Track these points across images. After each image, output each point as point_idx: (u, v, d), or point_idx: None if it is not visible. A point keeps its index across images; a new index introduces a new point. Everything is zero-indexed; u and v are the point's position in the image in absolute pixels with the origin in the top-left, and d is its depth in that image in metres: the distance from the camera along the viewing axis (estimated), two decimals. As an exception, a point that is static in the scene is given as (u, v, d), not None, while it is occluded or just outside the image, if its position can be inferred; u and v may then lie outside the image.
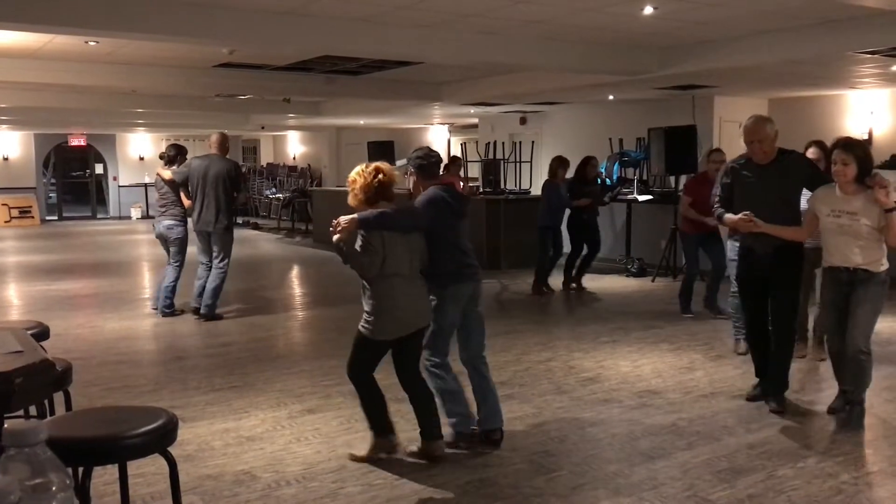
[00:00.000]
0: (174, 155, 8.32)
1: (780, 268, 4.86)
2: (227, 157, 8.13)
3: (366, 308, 4.17)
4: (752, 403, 5.15)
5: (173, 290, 8.15)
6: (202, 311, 7.95)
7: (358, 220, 4.01)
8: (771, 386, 5.08)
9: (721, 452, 4.29)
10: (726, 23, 6.77)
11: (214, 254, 7.95)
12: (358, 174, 4.14)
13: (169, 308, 8.14)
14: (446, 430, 4.34)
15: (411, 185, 4.53)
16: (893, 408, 5.10)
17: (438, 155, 4.67)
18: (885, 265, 4.61)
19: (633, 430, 4.67)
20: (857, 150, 4.54)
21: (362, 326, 4.20)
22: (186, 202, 8.00)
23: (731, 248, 6.29)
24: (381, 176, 4.09)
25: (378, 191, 4.07)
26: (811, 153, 5.71)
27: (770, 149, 4.82)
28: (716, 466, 4.08)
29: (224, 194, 7.84)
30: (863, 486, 3.89)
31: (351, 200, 4.14)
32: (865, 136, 10.23)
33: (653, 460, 4.18)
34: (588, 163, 9.65)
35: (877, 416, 4.92)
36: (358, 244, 4.02)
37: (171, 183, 8.09)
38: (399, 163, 4.69)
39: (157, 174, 8.33)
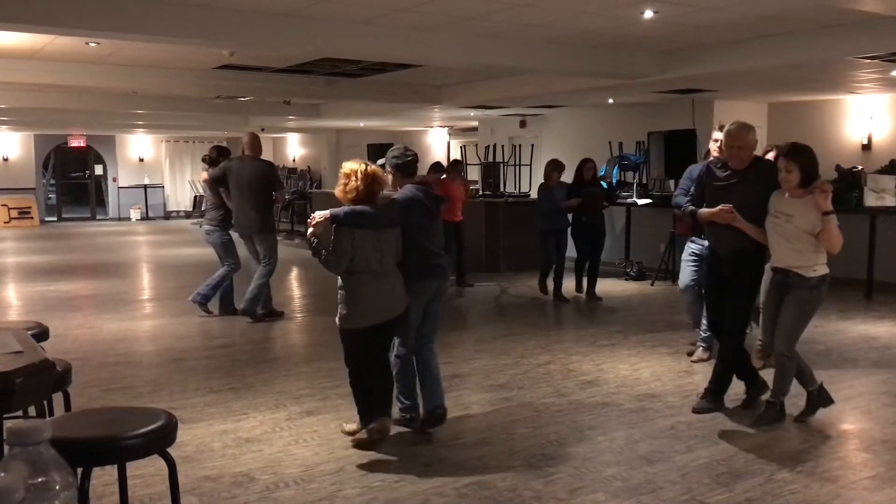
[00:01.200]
0: (216, 157, 8.31)
1: (739, 272, 4.89)
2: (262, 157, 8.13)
3: (338, 300, 4.43)
4: (751, 409, 5.15)
5: (216, 286, 8.15)
6: (242, 305, 7.98)
7: (330, 216, 4.22)
8: (710, 383, 5.14)
9: (719, 456, 4.29)
10: (726, 27, 6.78)
11: (261, 255, 7.97)
12: (355, 176, 4.29)
13: (203, 300, 8.12)
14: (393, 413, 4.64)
15: (391, 184, 4.69)
16: (892, 412, 5.11)
17: (415, 154, 4.82)
18: (818, 271, 4.60)
19: (631, 434, 4.67)
20: (801, 157, 4.59)
21: (336, 318, 4.48)
22: (229, 203, 7.97)
23: (688, 249, 6.42)
24: (374, 185, 4.33)
25: (366, 195, 4.30)
26: (771, 156, 5.74)
27: (748, 156, 4.88)
28: (714, 470, 4.09)
29: (261, 196, 7.81)
30: (861, 490, 3.89)
31: (338, 193, 4.35)
32: (865, 142, 10.26)
33: (651, 463, 4.18)
34: (584, 165, 9.65)
35: (876, 421, 4.93)
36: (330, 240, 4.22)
37: (208, 184, 8.12)
38: (379, 161, 4.77)
39: (201, 178, 8.46)
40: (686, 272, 6.46)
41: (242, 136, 8.18)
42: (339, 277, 4.37)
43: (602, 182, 9.98)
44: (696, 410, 5.04)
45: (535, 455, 4.31)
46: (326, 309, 9.16)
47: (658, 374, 6.02)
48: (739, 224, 4.76)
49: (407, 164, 4.69)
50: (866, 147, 10.21)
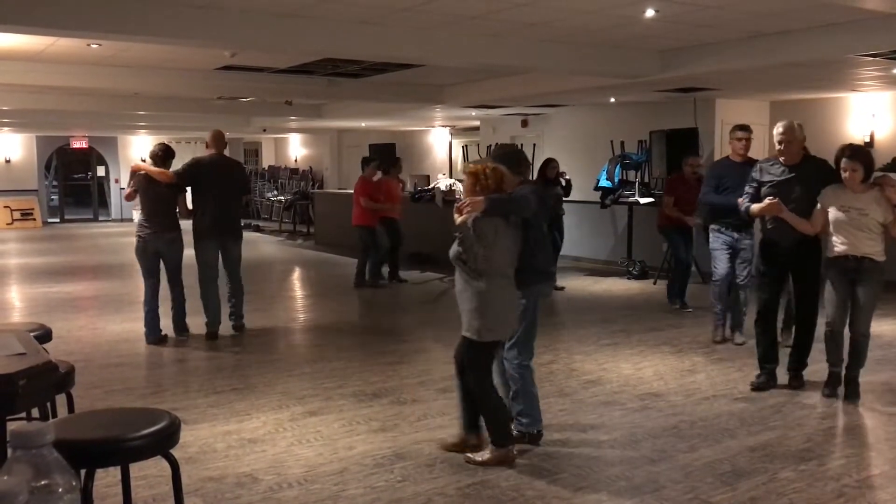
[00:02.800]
0: (164, 155, 7.19)
1: (803, 260, 5.42)
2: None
3: (467, 307, 4.08)
4: (753, 406, 5.15)
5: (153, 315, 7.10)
6: (236, 323, 7.50)
7: (489, 199, 3.96)
8: (792, 364, 5.63)
9: (723, 455, 4.29)
10: (727, 25, 6.77)
11: (233, 264, 7.33)
12: (483, 175, 4.06)
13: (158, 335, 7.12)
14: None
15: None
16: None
17: (524, 153, 4.80)
18: (884, 256, 5.16)
19: (634, 433, 4.67)
20: (863, 156, 5.13)
21: (467, 330, 4.09)
22: (182, 206, 7.18)
23: (714, 239, 6.82)
24: (504, 185, 4.11)
25: (497, 189, 4.08)
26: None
27: (797, 150, 5.40)
28: (718, 469, 4.09)
29: (238, 198, 7.46)
30: (865, 488, 3.89)
31: (471, 194, 4.06)
32: (867, 139, 10.24)
33: (654, 463, 4.18)
34: (548, 164, 9.90)
35: (879, 419, 4.92)
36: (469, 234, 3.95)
37: (172, 182, 7.02)
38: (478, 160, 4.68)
39: (142, 173, 7.11)
40: (722, 262, 6.74)
41: (209, 132, 7.44)
42: (469, 281, 4.04)
43: (560, 180, 10.12)
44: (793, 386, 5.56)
45: (538, 454, 4.31)
46: (328, 309, 9.18)
47: (661, 373, 6.02)
48: (786, 216, 5.22)
49: (520, 162, 4.50)
50: (869, 145, 10.18)
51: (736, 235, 6.66)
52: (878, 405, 5.16)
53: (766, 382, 5.54)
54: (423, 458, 4.26)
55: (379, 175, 10.63)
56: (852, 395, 5.24)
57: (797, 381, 5.58)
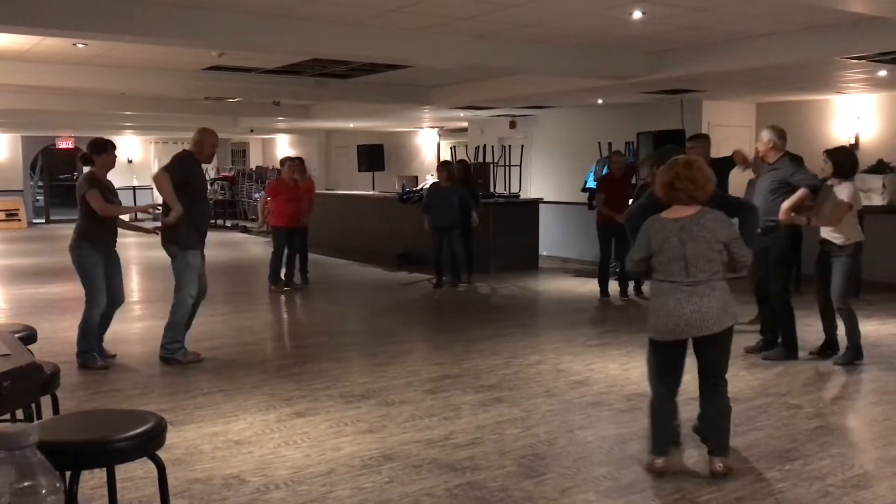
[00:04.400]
0: (90, 154, 6.22)
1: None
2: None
3: (726, 302, 3.99)
4: (739, 407, 5.15)
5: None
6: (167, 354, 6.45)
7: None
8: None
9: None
10: (714, 27, 6.81)
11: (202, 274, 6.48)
12: (703, 172, 3.97)
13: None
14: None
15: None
16: (880, 410, 5.14)
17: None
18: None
19: (622, 433, 4.68)
20: (832, 154, 6.10)
21: (730, 319, 4.00)
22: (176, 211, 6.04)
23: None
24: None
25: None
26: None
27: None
28: (704, 469, 4.10)
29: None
30: (849, 488, 3.91)
31: (704, 196, 3.97)
32: (852, 141, 10.31)
33: (642, 463, 4.19)
34: (457, 165, 10.67)
35: (863, 419, 4.96)
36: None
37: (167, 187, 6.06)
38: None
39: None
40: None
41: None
42: (718, 281, 3.94)
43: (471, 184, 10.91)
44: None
45: (525, 455, 4.31)
46: (315, 310, 9.17)
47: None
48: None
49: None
50: (854, 147, 10.26)
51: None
52: (862, 405, 5.19)
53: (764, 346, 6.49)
54: (410, 458, 4.26)
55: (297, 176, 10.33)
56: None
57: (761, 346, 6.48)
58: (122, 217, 6.40)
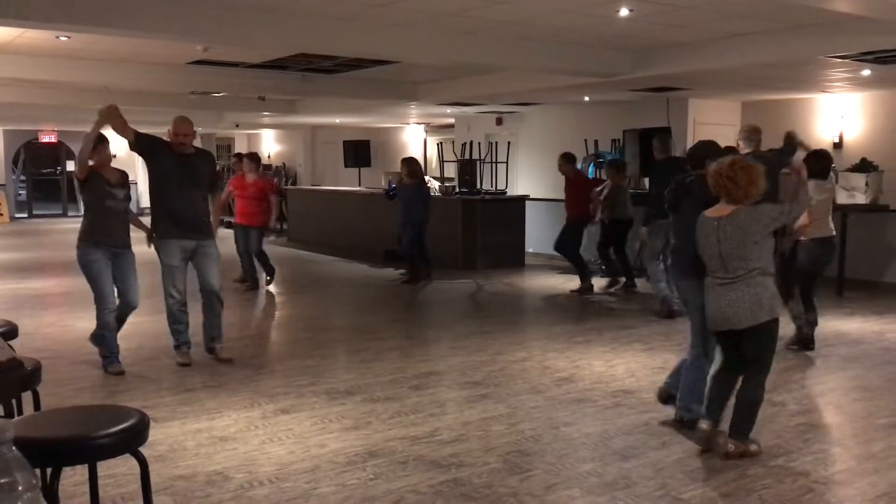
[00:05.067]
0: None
1: None
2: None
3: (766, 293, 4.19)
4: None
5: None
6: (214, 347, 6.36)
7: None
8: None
9: (693, 451, 4.32)
10: (700, 26, 6.83)
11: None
12: (747, 173, 4.07)
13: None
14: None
15: None
16: (862, 406, 5.18)
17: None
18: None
19: (606, 430, 4.69)
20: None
21: (768, 314, 4.17)
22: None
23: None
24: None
25: None
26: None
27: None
28: (688, 465, 4.12)
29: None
30: (832, 484, 3.94)
31: (744, 196, 4.08)
32: (836, 140, 10.38)
33: (626, 459, 4.20)
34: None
35: (846, 415, 4.99)
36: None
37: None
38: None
39: None
40: None
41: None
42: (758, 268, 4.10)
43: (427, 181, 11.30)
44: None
45: (510, 452, 4.32)
46: (301, 306, 9.13)
47: (633, 371, 6.06)
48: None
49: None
50: (837, 145, 10.34)
51: None
52: (844, 402, 5.23)
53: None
54: (395, 455, 4.25)
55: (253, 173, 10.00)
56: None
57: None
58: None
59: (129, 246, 6.06)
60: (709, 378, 4.41)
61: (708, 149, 4.86)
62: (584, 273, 9.76)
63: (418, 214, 10.46)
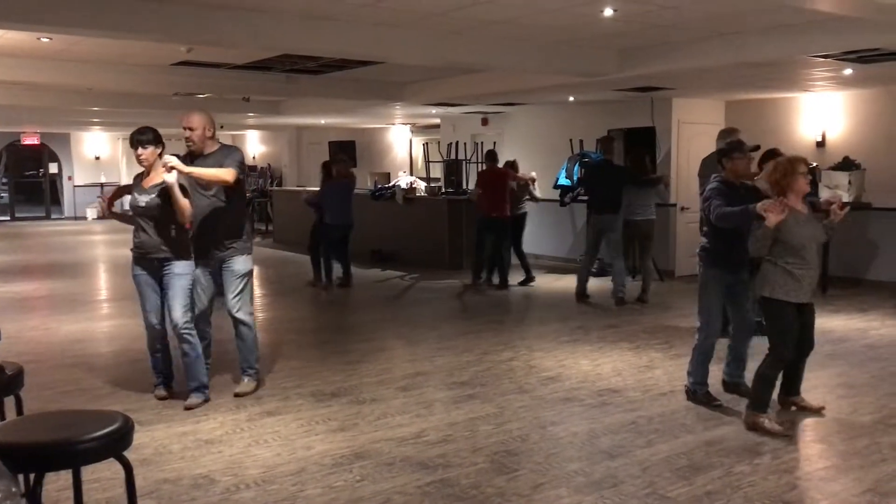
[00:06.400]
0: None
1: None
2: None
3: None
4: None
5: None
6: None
7: None
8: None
9: (680, 450, 4.34)
10: (683, 26, 6.85)
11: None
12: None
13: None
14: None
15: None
16: (846, 403, 5.21)
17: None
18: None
19: (593, 429, 4.70)
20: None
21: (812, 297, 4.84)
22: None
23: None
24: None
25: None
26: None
27: None
28: (675, 464, 4.13)
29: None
30: (817, 480, 3.97)
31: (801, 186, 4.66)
32: (819, 139, 10.45)
33: (613, 458, 4.21)
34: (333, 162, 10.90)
35: (830, 412, 5.02)
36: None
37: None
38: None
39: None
40: None
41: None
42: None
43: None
44: None
45: (497, 452, 4.32)
46: (286, 308, 9.10)
47: (619, 370, 6.07)
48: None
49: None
50: (820, 144, 10.41)
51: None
52: (829, 399, 5.26)
53: None
54: (382, 457, 4.24)
55: None
56: None
57: None
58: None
59: (165, 262, 5.13)
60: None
61: (734, 145, 5.29)
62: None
63: (348, 217, 10.33)
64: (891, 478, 3.95)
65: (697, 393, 5.24)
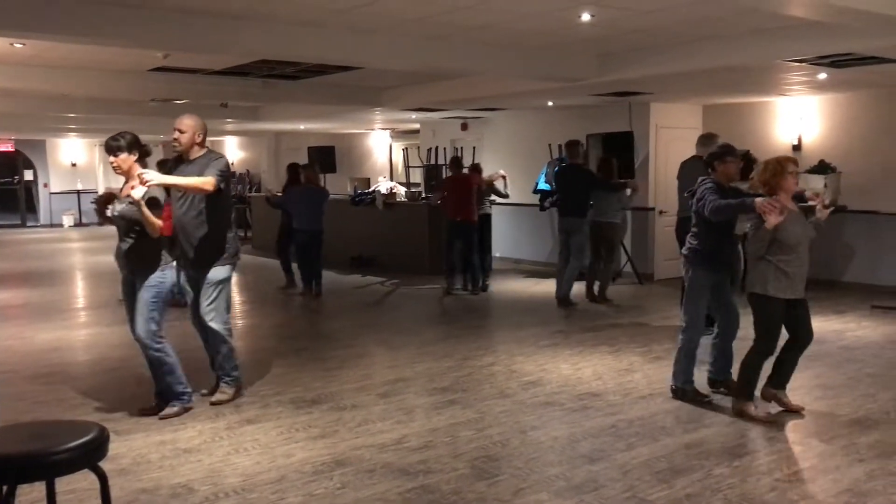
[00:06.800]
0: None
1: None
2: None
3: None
4: (689, 404, 5.25)
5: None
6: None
7: None
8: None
9: (660, 453, 4.35)
10: (661, 31, 6.90)
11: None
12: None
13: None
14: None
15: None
16: (824, 405, 5.26)
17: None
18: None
19: (574, 433, 4.71)
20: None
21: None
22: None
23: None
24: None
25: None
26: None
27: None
28: (655, 467, 4.14)
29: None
30: (795, 482, 3.99)
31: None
32: (795, 143, 10.56)
33: (593, 462, 4.22)
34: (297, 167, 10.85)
35: (808, 414, 5.06)
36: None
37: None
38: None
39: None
40: None
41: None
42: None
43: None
44: None
45: (478, 457, 4.31)
46: (265, 315, 9.04)
47: (599, 373, 6.09)
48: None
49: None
50: (797, 148, 10.51)
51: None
52: (807, 400, 5.30)
53: None
54: (363, 463, 4.22)
55: None
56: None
57: None
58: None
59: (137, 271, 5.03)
60: (780, 355, 5.05)
61: (726, 148, 5.40)
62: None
63: (316, 223, 10.20)
64: (868, 478, 3.99)
65: (687, 392, 5.32)
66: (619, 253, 10.11)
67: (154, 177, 4.64)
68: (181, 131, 5.20)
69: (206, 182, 4.94)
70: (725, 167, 5.22)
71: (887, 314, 8.29)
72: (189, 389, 5.18)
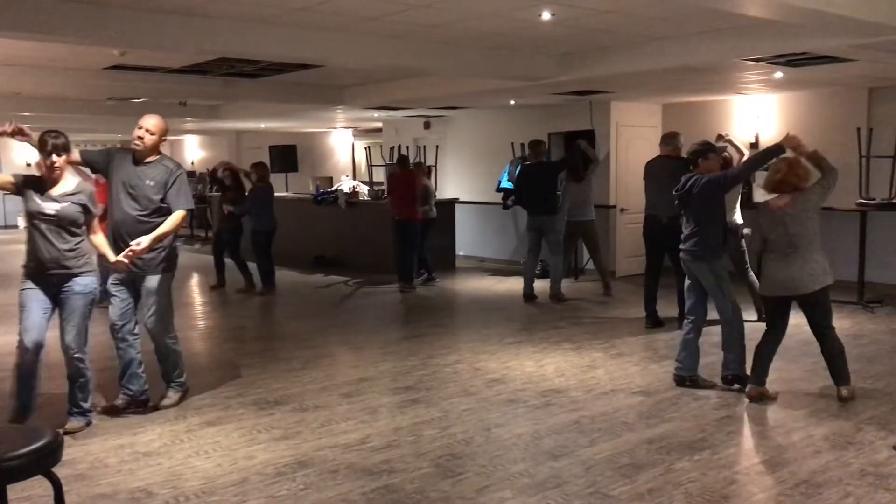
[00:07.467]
0: None
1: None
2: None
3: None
4: (650, 399, 5.31)
5: None
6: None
7: None
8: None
9: (622, 448, 4.39)
10: (620, 30, 6.95)
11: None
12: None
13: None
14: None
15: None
16: (781, 398, 5.34)
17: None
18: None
19: (537, 430, 4.73)
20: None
21: (823, 281, 5.23)
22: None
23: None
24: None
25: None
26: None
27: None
28: (617, 462, 4.18)
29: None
30: (754, 475, 4.06)
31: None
32: (752, 140, 10.72)
33: (557, 458, 4.24)
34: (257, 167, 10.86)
35: (767, 407, 5.14)
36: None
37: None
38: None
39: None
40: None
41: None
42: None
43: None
44: None
45: (442, 456, 4.31)
46: (226, 316, 8.94)
47: (562, 370, 6.12)
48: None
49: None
50: (754, 146, 10.66)
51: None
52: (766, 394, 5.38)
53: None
54: (326, 464, 4.19)
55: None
56: None
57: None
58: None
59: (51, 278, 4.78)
60: (761, 350, 5.35)
61: (708, 146, 5.82)
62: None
63: (271, 221, 10.28)
64: (824, 469, 4.06)
65: (740, 378, 5.53)
66: (594, 251, 10.06)
67: (145, 242, 4.78)
68: (150, 132, 5.06)
69: (182, 217, 5.11)
70: (708, 163, 5.66)
71: (842, 308, 8.45)
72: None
